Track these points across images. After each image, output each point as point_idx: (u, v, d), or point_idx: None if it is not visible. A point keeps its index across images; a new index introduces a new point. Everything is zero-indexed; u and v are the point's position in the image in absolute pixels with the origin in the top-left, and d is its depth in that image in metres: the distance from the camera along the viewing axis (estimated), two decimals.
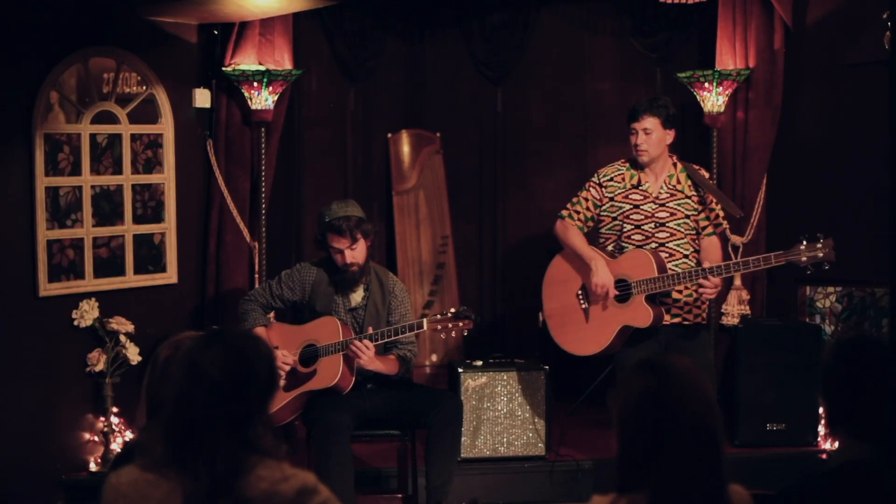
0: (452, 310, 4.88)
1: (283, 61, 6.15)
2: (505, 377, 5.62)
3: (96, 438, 5.48)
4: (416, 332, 4.92)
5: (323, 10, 6.50)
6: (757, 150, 6.39)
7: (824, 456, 5.75)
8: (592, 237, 5.38)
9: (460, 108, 7.05)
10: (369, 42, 6.79)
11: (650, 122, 5.11)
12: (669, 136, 5.16)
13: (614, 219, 5.19)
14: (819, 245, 4.77)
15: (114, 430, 5.45)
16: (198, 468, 2.40)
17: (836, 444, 2.62)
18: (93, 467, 5.46)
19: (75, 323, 5.41)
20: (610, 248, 5.21)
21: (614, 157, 7.06)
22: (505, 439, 5.62)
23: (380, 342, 4.89)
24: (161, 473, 2.44)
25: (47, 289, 5.33)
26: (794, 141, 6.44)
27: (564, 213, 5.31)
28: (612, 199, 5.20)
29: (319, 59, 6.74)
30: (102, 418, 5.47)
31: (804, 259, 4.79)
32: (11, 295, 5.24)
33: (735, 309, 6.28)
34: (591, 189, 5.28)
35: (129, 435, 5.40)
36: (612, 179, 5.24)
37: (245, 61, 6.02)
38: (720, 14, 6.40)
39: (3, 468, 5.15)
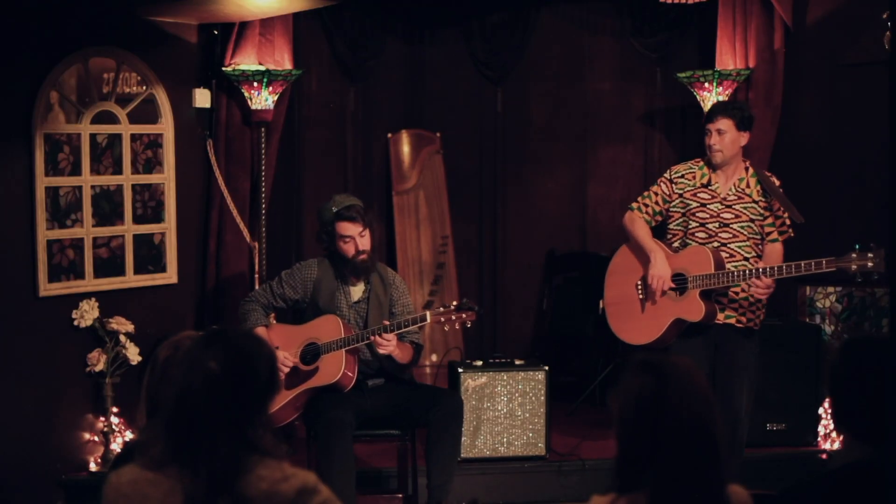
0: (455, 302, 4.90)
1: (283, 61, 6.15)
2: (505, 377, 5.62)
3: (96, 438, 5.48)
4: (419, 324, 4.93)
5: (323, 10, 6.51)
6: (757, 150, 6.38)
7: (824, 456, 5.75)
8: (661, 233, 5.37)
9: (460, 108, 7.05)
10: (369, 42, 6.79)
11: (724, 124, 5.11)
12: (744, 138, 5.16)
13: (682, 215, 5.20)
14: (870, 255, 4.77)
15: (114, 430, 5.45)
16: (198, 466, 2.40)
17: (837, 445, 2.62)
18: (93, 467, 5.46)
19: (75, 323, 5.41)
20: (676, 244, 5.22)
21: (614, 157, 7.10)
22: (505, 439, 5.62)
23: (395, 332, 4.91)
24: (161, 472, 2.44)
25: (47, 289, 5.33)
26: (794, 141, 6.44)
27: (634, 205, 5.33)
28: (681, 195, 5.21)
29: (319, 59, 6.74)
30: (102, 418, 5.47)
31: (854, 267, 4.78)
32: (11, 295, 5.24)
33: None
34: (661, 184, 5.29)
35: (129, 435, 5.40)
36: (683, 176, 5.25)
37: (245, 61, 6.02)
38: (720, 14, 6.40)
39: (3, 468, 5.15)
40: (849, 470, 2.51)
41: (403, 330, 4.93)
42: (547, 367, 5.67)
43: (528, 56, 6.99)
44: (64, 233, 5.43)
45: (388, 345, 4.88)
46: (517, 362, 5.72)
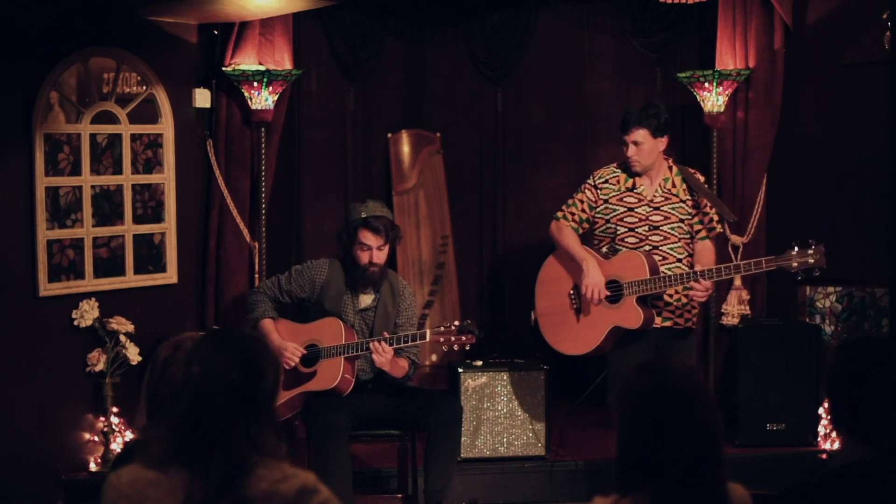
0: (456, 323, 4.89)
1: (283, 61, 6.15)
2: (505, 377, 5.63)
3: (96, 438, 5.48)
4: (418, 342, 4.94)
5: (323, 10, 6.50)
6: (757, 150, 6.39)
7: (824, 456, 5.75)
8: (588, 239, 5.39)
9: (460, 108, 7.05)
10: (369, 42, 6.79)
11: (640, 134, 5.10)
12: (662, 143, 5.15)
13: (608, 221, 5.20)
14: (810, 251, 4.76)
15: (114, 430, 5.45)
16: (209, 467, 2.40)
17: (837, 445, 2.62)
18: (93, 467, 5.46)
19: (75, 323, 5.41)
20: (604, 250, 5.22)
21: (614, 157, 7.06)
22: (505, 439, 5.62)
23: (393, 347, 4.92)
24: (163, 472, 2.44)
25: (47, 289, 5.33)
26: (794, 141, 6.44)
27: (559, 213, 5.33)
28: (606, 201, 5.21)
29: (319, 59, 6.74)
30: (102, 418, 5.47)
31: (795, 265, 4.79)
32: (11, 295, 5.24)
33: (735, 309, 6.29)
34: (586, 191, 5.29)
35: (129, 435, 5.40)
36: (606, 181, 5.25)
37: (245, 61, 6.02)
38: (720, 14, 6.40)
39: (3, 468, 5.15)
40: (848, 470, 2.51)
41: (402, 345, 4.93)
42: (547, 367, 5.67)
43: (528, 56, 6.98)
44: (64, 233, 5.43)
45: (384, 356, 4.87)
46: (517, 362, 5.72)
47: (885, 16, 5.80)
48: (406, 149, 6.92)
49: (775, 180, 6.44)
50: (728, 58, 6.39)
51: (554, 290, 5.35)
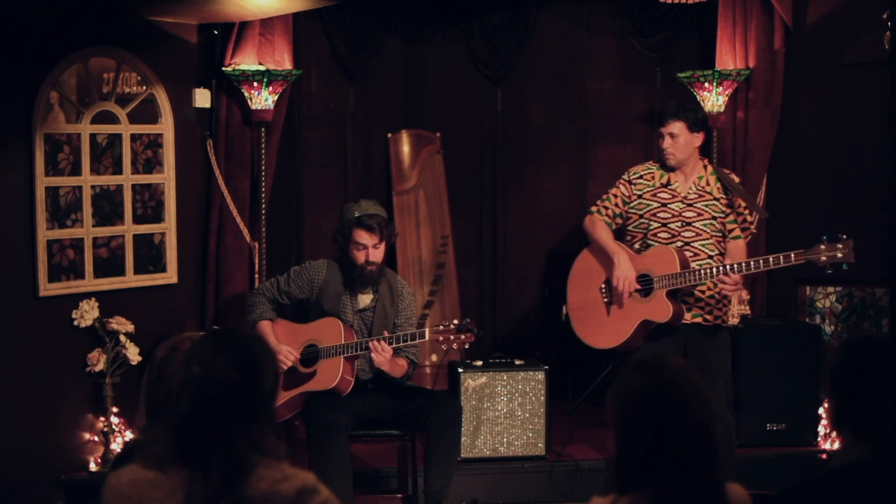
0: (455, 321, 4.89)
1: (283, 61, 6.15)
2: (505, 377, 5.63)
3: (96, 438, 5.48)
4: (417, 341, 4.94)
5: (323, 10, 6.51)
6: (757, 150, 6.39)
7: (824, 456, 5.75)
8: (620, 236, 5.38)
9: (460, 108, 7.05)
10: (369, 42, 6.79)
11: (676, 127, 5.11)
12: (698, 139, 5.16)
13: (641, 216, 5.20)
14: (839, 245, 4.77)
15: (114, 430, 5.45)
16: (209, 467, 2.40)
17: (837, 445, 2.62)
18: (93, 467, 5.46)
19: (75, 323, 5.41)
20: (637, 245, 5.22)
21: (614, 157, 7.10)
22: (505, 439, 5.62)
23: (392, 346, 4.92)
24: (163, 472, 2.44)
25: (47, 289, 5.33)
26: (794, 141, 6.45)
27: (594, 208, 5.33)
28: (640, 196, 5.21)
29: (319, 59, 6.74)
30: (102, 418, 5.47)
31: (824, 258, 4.79)
32: (11, 295, 5.24)
33: (735, 309, 6.28)
34: (620, 186, 5.29)
35: (129, 435, 5.40)
36: (641, 177, 5.25)
37: (245, 61, 6.02)
38: (720, 14, 6.40)
39: (3, 468, 5.15)
40: (849, 470, 2.51)
41: (402, 344, 4.93)
42: (547, 367, 5.67)
43: (528, 56, 6.99)
44: (64, 233, 5.43)
45: (383, 355, 4.87)
46: (517, 362, 5.72)
47: (885, 16, 5.80)
48: (406, 149, 6.93)
49: (775, 180, 6.44)
50: (728, 58, 6.39)
51: (586, 284, 5.34)
